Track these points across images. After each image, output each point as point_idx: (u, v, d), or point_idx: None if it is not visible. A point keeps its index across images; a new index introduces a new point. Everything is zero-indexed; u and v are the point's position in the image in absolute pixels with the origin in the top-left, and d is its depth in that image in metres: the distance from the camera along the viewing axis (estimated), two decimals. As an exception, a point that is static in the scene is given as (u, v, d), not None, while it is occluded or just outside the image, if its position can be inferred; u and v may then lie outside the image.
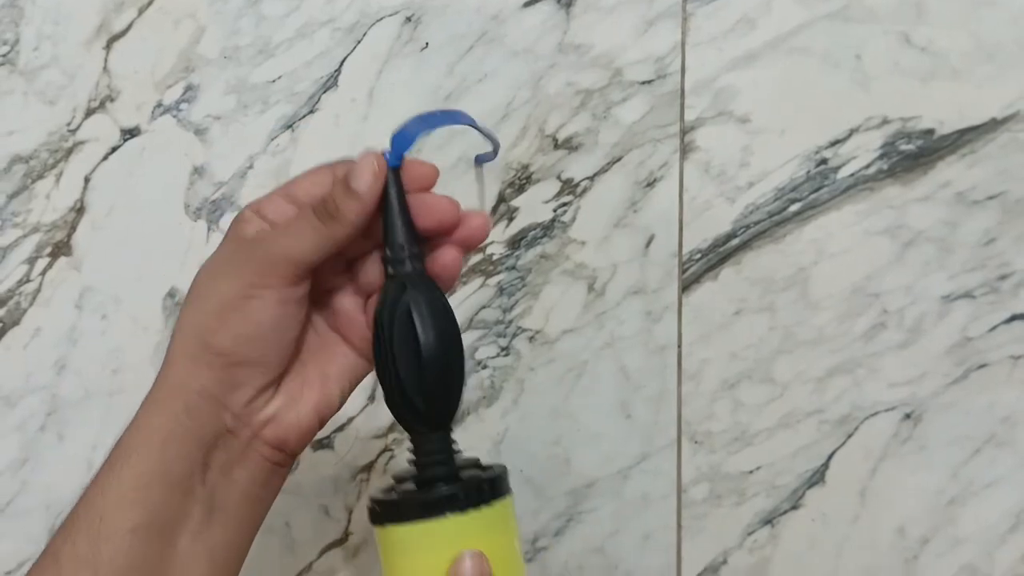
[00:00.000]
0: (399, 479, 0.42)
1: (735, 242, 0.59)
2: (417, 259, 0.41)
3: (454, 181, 0.61)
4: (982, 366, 0.57)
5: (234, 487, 0.40)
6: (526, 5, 0.61)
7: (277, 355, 0.41)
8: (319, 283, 0.42)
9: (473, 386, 0.60)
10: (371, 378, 0.58)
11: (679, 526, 0.58)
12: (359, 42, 0.62)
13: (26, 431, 0.63)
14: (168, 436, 0.38)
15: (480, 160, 0.57)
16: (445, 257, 0.42)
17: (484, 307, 0.60)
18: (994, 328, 0.57)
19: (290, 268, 0.39)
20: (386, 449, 0.63)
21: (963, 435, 0.57)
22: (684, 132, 0.60)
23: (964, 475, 0.57)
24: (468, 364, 0.60)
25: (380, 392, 0.59)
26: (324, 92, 0.62)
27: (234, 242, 0.41)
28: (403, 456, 0.54)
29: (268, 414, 0.41)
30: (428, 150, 0.61)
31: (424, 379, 0.39)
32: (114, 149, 0.64)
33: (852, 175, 0.58)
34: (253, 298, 0.38)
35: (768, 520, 0.58)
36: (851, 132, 0.58)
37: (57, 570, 0.37)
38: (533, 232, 0.60)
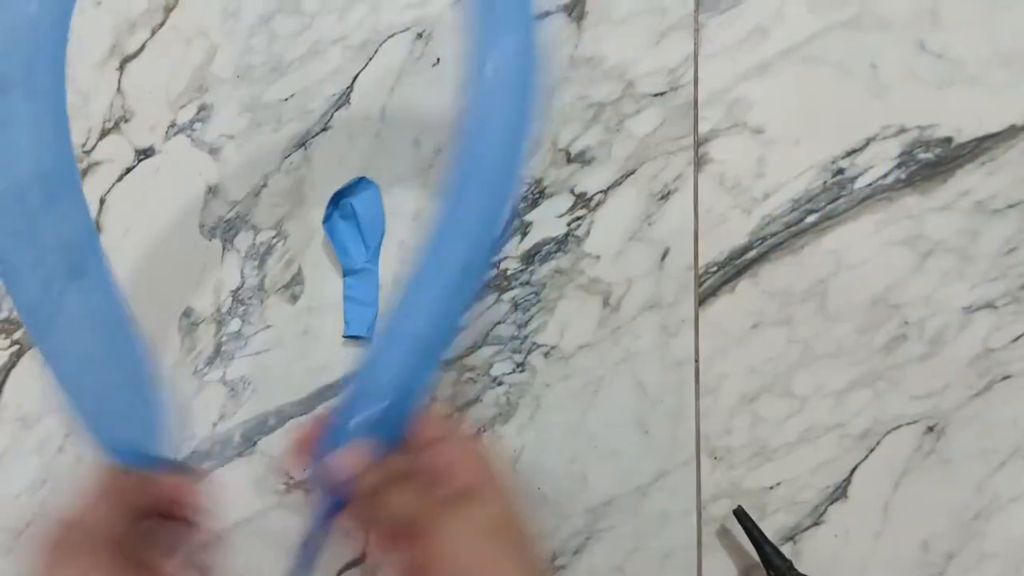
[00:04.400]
0: None
1: (752, 254, 0.59)
2: None
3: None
4: (1005, 377, 0.57)
5: None
6: (537, 18, 0.61)
7: None
8: None
9: (489, 403, 0.60)
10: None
11: (699, 544, 0.58)
12: (371, 59, 0.63)
13: (44, 452, 0.63)
14: None
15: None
16: None
17: (499, 323, 0.60)
18: (1017, 339, 0.57)
19: None
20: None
21: (987, 448, 0.56)
22: (698, 144, 0.60)
23: (989, 489, 0.56)
24: (484, 381, 0.60)
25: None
26: (336, 110, 0.63)
27: None
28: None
29: None
30: (441, 165, 0.61)
31: None
32: (129, 170, 0.64)
33: (869, 185, 0.58)
34: None
35: (790, 537, 0.57)
36: (867, 141, 0.58)
37: None
38: (547, 247, 0.60)
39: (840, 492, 0.57)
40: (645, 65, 0.60)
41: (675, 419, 0.58)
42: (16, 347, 0.64)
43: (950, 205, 0.57)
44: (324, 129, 0.63)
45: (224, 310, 0.62)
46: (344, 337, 0.61)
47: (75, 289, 0.38)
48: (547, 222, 0.61)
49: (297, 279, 0.62)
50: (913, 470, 0.57)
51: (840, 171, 0.58)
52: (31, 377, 0.64)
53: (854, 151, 0.58)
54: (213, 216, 0.63)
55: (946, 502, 0.56)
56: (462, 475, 0.40)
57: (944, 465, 0.57)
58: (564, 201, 0.61)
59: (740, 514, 0.55)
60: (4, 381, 0.64)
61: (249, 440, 0.61)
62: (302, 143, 0.63)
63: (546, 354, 0.60)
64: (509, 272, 0.60)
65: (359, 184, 0.61)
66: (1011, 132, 0.57)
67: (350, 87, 0.63)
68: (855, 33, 0.59)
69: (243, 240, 0.63)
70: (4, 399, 0.64)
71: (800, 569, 0.54)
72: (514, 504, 0.40)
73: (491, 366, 0.60)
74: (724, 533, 0.57)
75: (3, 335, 0.64)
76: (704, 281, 0.59)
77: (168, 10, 0.65)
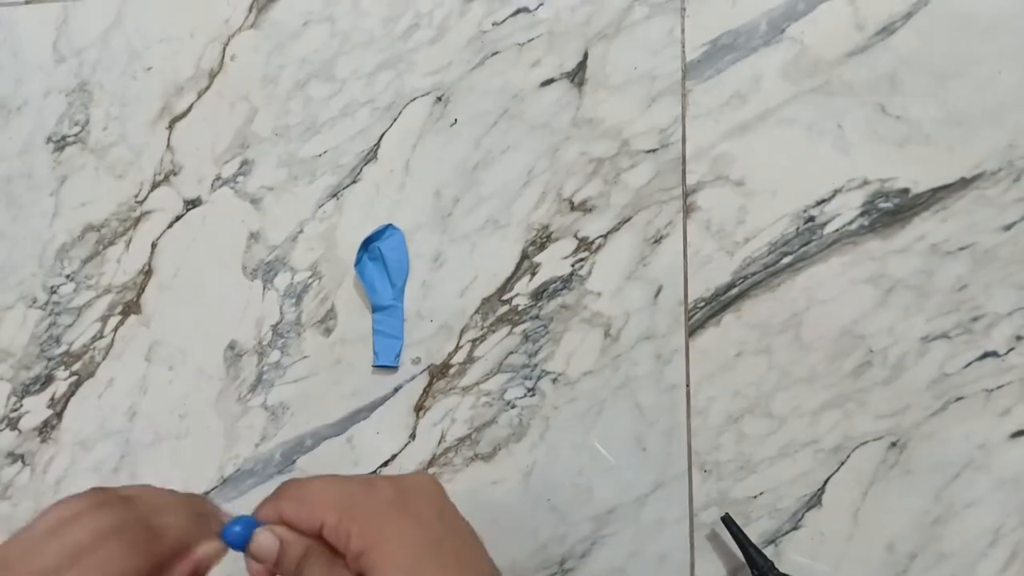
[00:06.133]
0: None
1: (735, 291, 0.65)
2: None
3: (481, 242, 0.67)
4: (959, 399, 0.62)
5: None
6: (543, 84, 0.68)
7: None
8: None
9: (504, 424, 0.66)
10: (411, 415, 0.65)
11: (692, 547, 0.63)
12: (395, 120, 0.69)
13: (102, 472, 0.69)
14: None
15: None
16: None
17: (511, 353, 0.66)
18: (969, 364, 0.63)
19: None
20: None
21: (944, 461, 0.62)
22: (686, 194, 0.66)
23: (946, 497, 0.62)
24: (499, 404, 0.66)
25: (420, 429, 0.66)
26: (365, 164, 0.69)
27: None
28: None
29: None
30: (458, 213, 0.67)
31: None
32: (178, 218, 0.70)
33: (837, 230, 0.64)
34: None
35: (772, 540, 0.62)
36: (835, 192, 0.65)
37: None
38: (554, 285, 0.67)
39: (815, 500, 0.63)
40: (639, 125, 0.67)
41: (669, 437, 0.64)
42: (75, 377, 0.70)
43: (908, 248, 0.64)
44: (354, 182, 0.69)
45: (265, 343, 0.68)
46: (373, 367, 0.67)
47: None
48: (554, 263, 0.67)
49: (331, 315, 0.68)
50: (879, 480, 0.62)
51: (811, 218, 0.65)
52: (89, 405, 0.70)
53: (823, 201, 0.65)
54: (255, 259, 0.69)
55: (908, 508, 0.62)
56: (362, 554, 0.36)
57: (906, 476, 0.62)
58: (568, 245, 0.67)
59: (727, 521, 0.61)
60: (64, 408, 0.70)
61: (288, 459, 0.67)
62: (334, 194, 0.69)
63: (554, 380, 0.66)
64: (520, 308, 0.67)
65: (386, 230, 0.67)
66: (962, 184, 0.64)
67: (377, 144, 0.69)
68: (824, 98, 0.65)
69: (282, 280, 0.69)
70: (64, 424, 0.70)
71: (781, 568, 0.60)
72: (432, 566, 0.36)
73: (505, 391, 0.66)
74: (714, 537, 0.63)
75: (63, 367, 0.70)
76: (693, 315, 0.65)
77: (212, 76, 0.71)
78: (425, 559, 0.36)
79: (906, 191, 0.64)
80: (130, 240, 0.71)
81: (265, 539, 0.37)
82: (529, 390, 0.66)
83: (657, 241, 0.66)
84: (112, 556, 0.34)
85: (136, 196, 0.71)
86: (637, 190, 0.66)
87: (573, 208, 0.67)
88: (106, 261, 0.71)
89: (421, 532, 0.37)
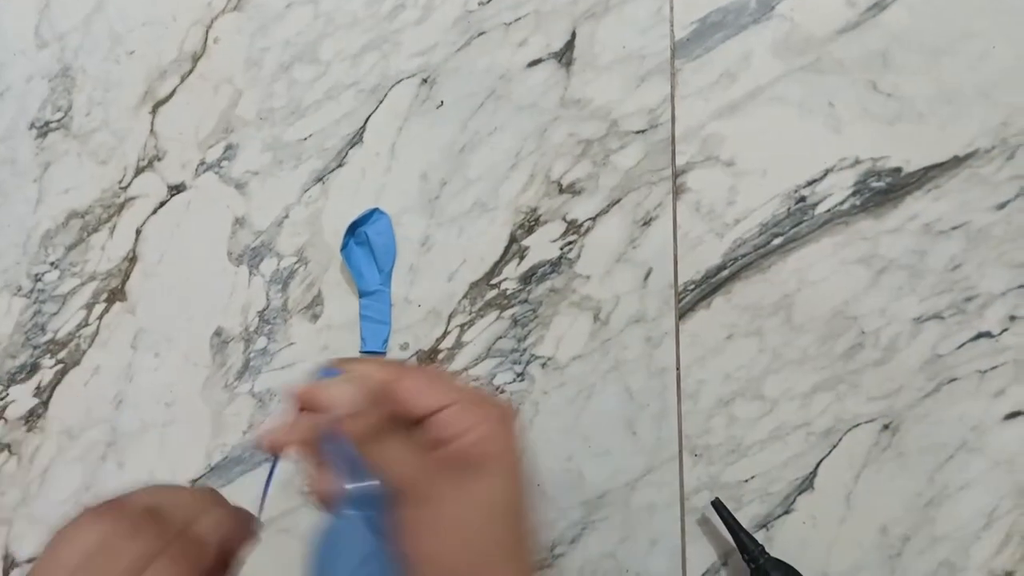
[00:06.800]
0: None
1: (725, 273, 0.64)
2: None
3: (469, 225, 0.66)
4: (952, 380, 0.62)
5: None
6: (530, 65, 0.67)
7: None
8: None
9: (492, 410, 0.65)
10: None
11: (683, 532, 0.63)
12: (381, 102, 0.68)
13: (88, 461, 0.69)
14: None
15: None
16: None
17: (500, 337, 0.66)
18: (962, 346, 0.62)
19: None
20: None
21: (937, 443, 0.62)
22: (676, 175, 0.65)
23: (939, 479, 0.61)
24: (488, 389, 0.65)
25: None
26: (351, 148, 0.68)
27: None
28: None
29: None
30: (446, 197, 0.67)
31: None
32: (162, 203, 0.70)
33: (828, 211, 0.64)
34: None
35: (764, 524, 0.62)
36: (826, 172, 0.64)
37: None
38: (542, 269, 0.66)
39: (807, 484, 0.62)
40: (628, 105, 0.66)
41: (659, 421, 0.64)
42: (61, 365, 0.70)
43: (901, 228, 0.63)
44: (340, 165, 0.68)
45: (252, 329, 0.68)
46: (361, 352, 0.66)
47: None
48: (542, 246, 0.66)
49: (317, 300, 0.68)
50: (872, 463, 0.62)
51: (802, 199, 0.64)
52: (75, 393, 0.69)
53: (814, 181, 0.64)
54: (240, 244, 0.69)
55: (901, 491, 0.62)
56: (477, 442, 0.35)
57: (899, 458, 0.62)
58: (557, 227, 0.66)
59: (717, 505, 0.61)
60: (50, 397, 0.70)
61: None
62: (320, 178, 0.69)
63: (543, 364, 0.65)
64: (509, 292, 0.66)
65: (372, 214, 0.66)
66: (954, 162, 0.63)
67: (363, 127, 0.69)
68: (814, 76, 0.65)
69: (268, 266, 0.68)
70: (50, 413, 0.70)
71: (772, 553, 0.60)
72: (525, 487, 0.37)
73: (494, 376, 0.66)
74: (704, 522, 0.63)
75: (49, 355, 0.70)
76: (683, 298, 0.65)
77: (196, 59, 0.71)
78: (523, 473, 0.36)
79: (898, 170, 0.63)
80: (114, 226, 0.70)
81: (350, 389, 0.36)
82: (518, 375, 0.65)
83: (647, 223, 0.65)
84: None
85: (120, 182, 0.70)
86: (626, 171, 0.66)
87: (562, 190, 0.66)
88: (90, 248, 0.70)
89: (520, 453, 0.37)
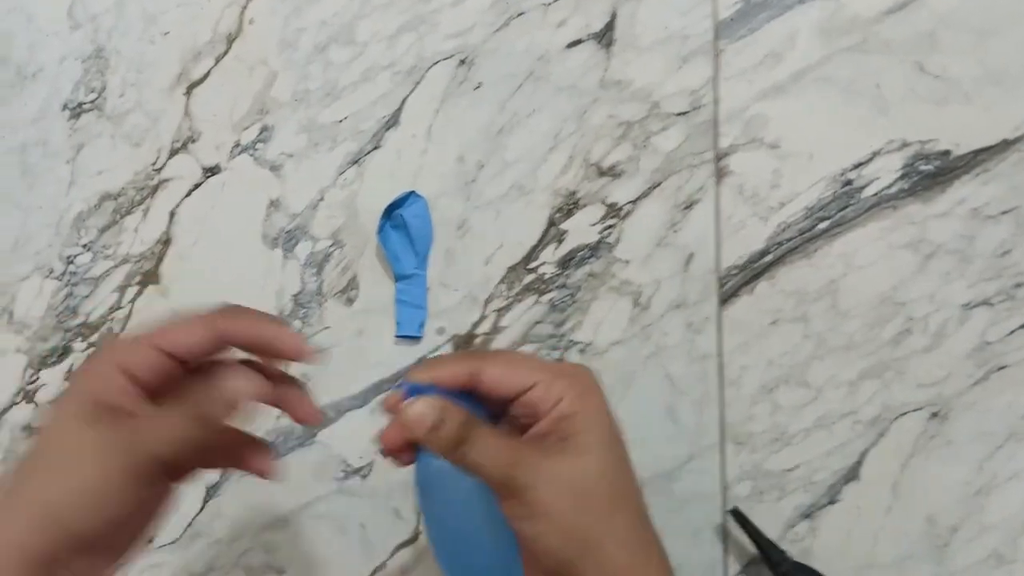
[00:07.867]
0: None
1: (769, 258, 0.63)
2: None
3: (507, 208, 0.66)
4: (1002, 368, 0.61)
5: None
6: (569, 46, 0.66)
7: (130, 537, 0.39)
8: (185, 464, 0.41)
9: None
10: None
11: (724, 521, 0.62)
12: (418, 83, 0.68)
13: (120, 445, 0.68)
14: None
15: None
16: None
17: (538, 323, 0.65)
18: (1012, 332, 0.61)
19: (159, 466, 0.37)
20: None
21: (986, 431, 0.61)
22: (718, 158, 0.65)
23: (988, 468, 0.60)
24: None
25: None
26: (387, 130, 0.68)
27: (102, 425, 0.37)
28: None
29: None
30: (483, 180, 0.66)
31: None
32: (197, 186, 0.69)
33: (875, 194, 0.63)
34: (117, 488, 0.36)
35: (807, 514, 0.61)
36: (873, 155, 0.63)
37: None
38: (581, 253, 0.65)
39: (853, 473, 0.61)
40: (669, 87, 0.65)
41: (701, 408, 0.63)
42: (93, 349, 0.69)
43: (949, 212, 0.62)
44: (376, 147, 0.68)
45: (286, 313, 0.67)
46: (396, 337, 0.66)
47: None
48: (581, 230, 0.65)
49: (352, 284, 0.67)
50: (919, 452, 0.61)
51: (849, 182, 0.63)
52: (107, 377, 0.69)
53: (861, 164, 0.63)
54: (275, 227, 0.68)
55: (949, 480, 0.61)
56: (571, 411, 0.37)
57: (947, 447, 0.61)
58: (596, 211, 0.65)
59: (736, 514, 0.59)
60: (82, 381, 0.69)
61: (310, 431, 0.66)
62: (355, 160, 0.68)
63: (582, 350, 0.64)
64: (547, 276, 0.65)
65: (409, 197, 0.66)
66: (1003, 145, 0.62)
67: (399, 109, 0.68)
68: (861, 56, 0.64)
69: (303, 249, 0.68)
70: (82, 397, 0.69)
71: (816, 544, 0.59)
72: (622, 444, 0.39)
73: (532, 362, 0.65)
74: (747, 511, 0.61)
75: (81, 338, 0.69)
76: (726, 283, 0.64)
77: (231, 41, 0.70)
78: (617, 437, 0.39)
79: (947, 153, 0.62)
80: (148, 209, 0.69)
81: (423, 406, 0.37)
82: (556, 361, 0.64)
83: (688, 207, 0.64)
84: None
85: (154, 164, 0.70)
86: (667, 154, 0.65)
87: (601, 173, 0.65)
88: (124, 230, 0.69)
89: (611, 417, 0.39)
